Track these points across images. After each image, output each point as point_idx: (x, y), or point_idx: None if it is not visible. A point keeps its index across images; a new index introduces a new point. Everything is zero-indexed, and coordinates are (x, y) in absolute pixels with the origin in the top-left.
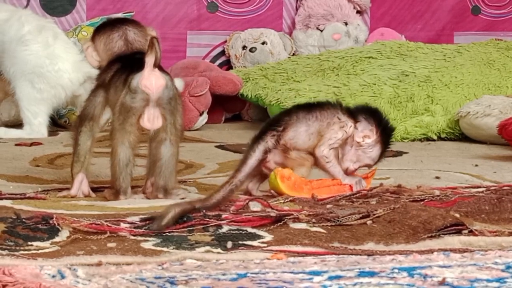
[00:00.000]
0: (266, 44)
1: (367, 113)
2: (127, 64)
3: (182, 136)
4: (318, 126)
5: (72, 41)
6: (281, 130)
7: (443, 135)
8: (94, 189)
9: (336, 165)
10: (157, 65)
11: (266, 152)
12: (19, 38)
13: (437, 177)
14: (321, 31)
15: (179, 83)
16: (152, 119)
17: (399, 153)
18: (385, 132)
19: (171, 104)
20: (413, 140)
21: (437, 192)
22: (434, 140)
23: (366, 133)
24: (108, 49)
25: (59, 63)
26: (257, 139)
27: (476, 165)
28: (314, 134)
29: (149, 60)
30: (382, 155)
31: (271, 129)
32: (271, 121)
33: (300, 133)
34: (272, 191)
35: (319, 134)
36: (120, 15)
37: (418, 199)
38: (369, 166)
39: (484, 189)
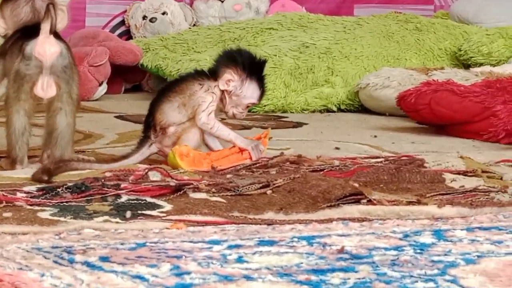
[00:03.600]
0: (167, 14)
1: (223, 60)
2: (27, 32)
3: (79, 106)
4: (180, 99)
5: None
6: (152, 118)
7: (343, 107)
8: None
9: (222, 127)
10: (52, 32)
11: (151, 144)
12: None
13: (337, 148)
14: (222, 1)
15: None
16: (45, 87)
17: (299, 124)
18: (248, 66)
19: (66, 72)
20: (313, 111)
21: (336, 162)
22: (334, 112)
23: (226, 77)
24: (15, 16)
25: None
26: (141, 140)
27: (375, 136)
28: (180, 107)
29: (45, 26)
30: (260, 87)
31: (147, 125)
32: (146, 116)
33: (165, 111)
34: None
35: (185, 106)
36: None
37: (318, 169)
38: (254, 104)
39: (382, 159)
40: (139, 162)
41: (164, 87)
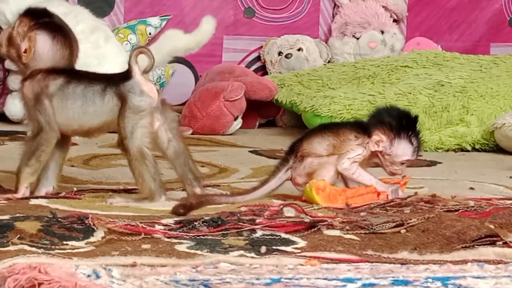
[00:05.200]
0: (302, 50)
1: (373, 119)
2: (75, 75)
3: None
4: (333, 140)
5: (122, 46)
6: (298, 146)
7: (477, 146)
8: (127, 191)
9: (363, 173)
10: (147, 72)
11: (288, 169)
12: None
13: (472, 188)
14: (357, 39)
15: (211, 21)
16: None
17: (433, 163)
18: (395, 125)
19: (160, 105)
20: (447, 150)
21: (471, 203)
22: (468, 151)
23: (376, 138)
24: (50, 56)
25: (106, 65)
26: (279, 163)
27: (511, 177)
28: (329, 146)
29: (135, 67)
30: (412, 143)
31: (291, 149)
32: (294, 141)
33: (312, 142)
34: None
35: (334, 148)
36: (157, 18)
37: (453, 209)
38: (409, 161)
39: None
40: (276, 187)
41: (324, 125)
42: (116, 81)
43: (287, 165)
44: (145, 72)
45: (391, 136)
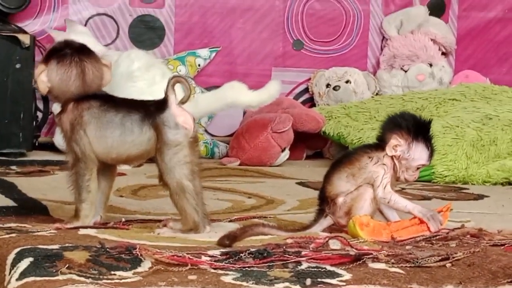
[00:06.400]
0: (350, 83)
1: (387, 126)
2: (110, 102)
3: None
4: (349, 169)
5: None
6: (324, 192)
7: None
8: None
9: (399, 199)
10: (185, 103)
11: (327, 216)
12: (129, 74)
13: None
14: (405, 71)
15: (277, 86)
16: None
17: (480, 197)
18: (412, 128)
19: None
20: (495, 184)
21: None
22: None
23: (393, 143)
24: (64, 85)
25: None
26: (316, 215)
27: None
28: (348, 177)
29: (172, 97)
30: (428, 147)
31: (321, 198)
32: (320, 189)
33: (333, 182)
34: None
35: (354, 176)
36: (206, 50)
37: (499, 243)
38: (424, 165)
39: None
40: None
41: (334, 161)
42: (153, 112)
43: (324, 213)
44: (182, 102)
45: (409, 140)
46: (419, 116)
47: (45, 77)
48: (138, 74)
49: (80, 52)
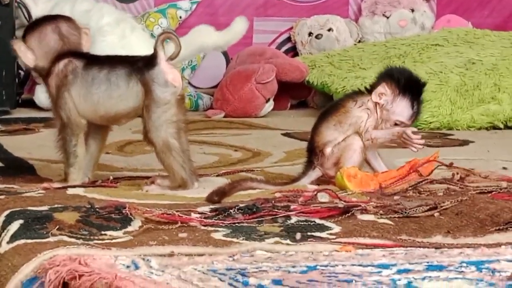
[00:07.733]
0: (332, 30)
1: (381, 75)
2: (95, 60)
3: None
4: (336, 117)
5: (149, 35)
6: (313, 144)
7: (510, 124)
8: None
9: (382, 133)
10: (174, 58)
11: (315, 168)
12: (99, 29)
13: (504, 168)
14: (387, 17)
15: (243, 23)
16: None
17: (465, 142)
18: (403, 82)
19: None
20: (479, 128)
21: (504, 184)
22: (500, 129)
23: (379, 90)
24: (44, 45)
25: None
26: (305, 167)
27: None
28: (336, 125)
29: (161, 54)
30: (413, 107)
31: (309, 150)
32: (308, 142)
33: (321, 131)
34: None
35: (341, 123)
36: (187, 2)
37: (486, 191)
38: (402, 123)
39: None
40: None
41: (322, 112)
42: (141, 68)
43: (313, 165)
44: (171, 59)
45: (395, 92)
46: (417, 76)
47: (26, 49)
48: (108, 29)
49: (55, 19)
